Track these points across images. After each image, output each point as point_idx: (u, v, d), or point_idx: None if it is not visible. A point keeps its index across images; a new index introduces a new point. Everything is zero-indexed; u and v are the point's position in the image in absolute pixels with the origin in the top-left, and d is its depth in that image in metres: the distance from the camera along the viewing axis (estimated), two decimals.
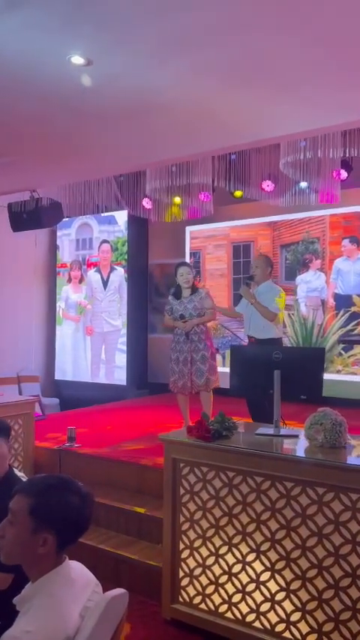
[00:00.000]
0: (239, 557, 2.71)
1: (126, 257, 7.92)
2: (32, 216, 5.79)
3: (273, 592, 2.61)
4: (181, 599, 2.92)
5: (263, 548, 2.64)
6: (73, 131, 4.08)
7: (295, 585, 2.55)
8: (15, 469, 2.44)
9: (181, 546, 2.91)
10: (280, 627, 2.58)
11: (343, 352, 6.53)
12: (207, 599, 2.82)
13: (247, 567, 2.69)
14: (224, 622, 2.74)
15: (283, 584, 2.58)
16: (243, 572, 2.70)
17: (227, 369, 3.30)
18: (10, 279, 7.83)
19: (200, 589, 2.85)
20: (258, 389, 3.37)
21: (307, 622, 2.51)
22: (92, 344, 8.13)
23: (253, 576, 2.67)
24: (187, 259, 7.71)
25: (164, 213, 6.55)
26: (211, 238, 7.70)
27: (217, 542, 2.78)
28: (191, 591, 2.88)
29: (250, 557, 2.68)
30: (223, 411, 3.02)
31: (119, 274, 7.96)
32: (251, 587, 2.68)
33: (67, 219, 7.32)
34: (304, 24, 2.60)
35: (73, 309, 8.37)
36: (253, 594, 2.67)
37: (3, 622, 1.59)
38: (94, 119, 3.82)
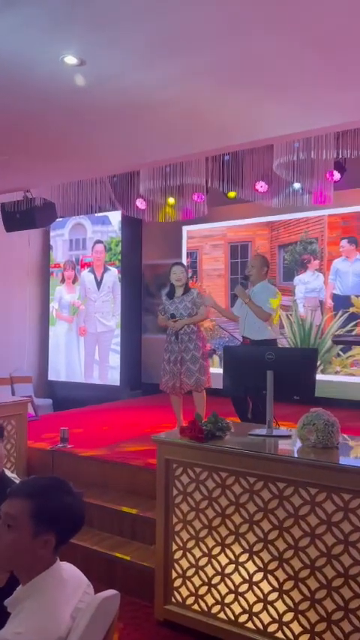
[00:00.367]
0: (232, 557, 2.72)
1: (120, 257, 7.91)
2: (25, 216, 5.78)
3: (266, 592, 2.61)
4: (174, 600, 2.91)
5: (256, 548, 2.64)
6: (67, 131, 4.07)
7: (287, 585, 2.55)
8: (7, 470, 2.42)
9: (174, 547, 2.91)
10: (272, 627, 2.58)
11: (341, 353, 6.50)
12: (200, 600, 2.82)
13: (240, 568, 2.69)
14: (217, 623, 2.74)
15: (275, 584, 2.58)
16: (236, 572, 2.71)
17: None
18: (3, 280, 7.80)
19: (193, 590, 2.85)
20: (251, 389, 3.38)
21: (299, 622, 2.51)
22: (86, 344, 8.12)
23: (246, 577, 2.67)
24: (184, 259, 7.70)
25: (158, 213, 6.54)
26: (208, 238, 7.66)
27: (210, 542, 2.78)
28: (184, 592, 2.88)
29: (243, 558, 2.68)
30: (217, 412, 3.03)
31: (113, 274, 7.95)
32: (244, 587, 2.68)
33: (60, 219, 7.31)
34: (297, 26, 2.61)
35: (67, 309, 8.35)
36: (245, 595, 2.67)
37: None
38: (88, 119, 3.82)
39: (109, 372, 7.86)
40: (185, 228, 7.76)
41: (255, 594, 2.64)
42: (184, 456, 2.90)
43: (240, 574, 2.69)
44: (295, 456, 2.68)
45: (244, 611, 2.67)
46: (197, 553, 2.83)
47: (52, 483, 1.54)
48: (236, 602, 2.70)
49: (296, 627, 2.52)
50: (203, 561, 2.81)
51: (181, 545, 2.88)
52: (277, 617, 2.57)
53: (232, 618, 2.70)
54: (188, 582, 2.86)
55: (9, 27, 2.65)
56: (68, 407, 7.05)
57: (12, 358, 7.85)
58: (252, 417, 4.52)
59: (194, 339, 4.70)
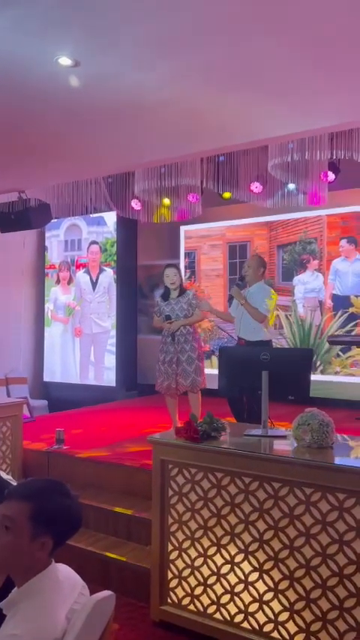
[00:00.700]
0: (228, 557, 2.72)
1: (115, 258, 7.90)
2: (20, 217, 5.77)
3: (261, 592, 2.62)
4: (169, 600, 2.92)
5: (251, 548, 2.65)
6: (62, 132, 4.07)
7: (283, 585, 2.56)
8: (3, 472, 2.42)
9: (170, 548, 2.91)
10: (268, 627, 2.59)
11: (341, 353, 6.48)
12: (196, 601, 2.83)
13: (236, 568, 2.70)
14: (213, 623, 2.75)
15: (271, 584, 2.59)
16: (231, 572, 2.71)
17: None
18: None
19: (189, 590, 2.85)
20: (246, 390, 3.38)
21: (295, 622, 2.52)
22: (81, 345, 8.11)
23: (242, 577, 2.68)
24: (182, 259, 7.69)
25: (153, 214, 6.54)
26: (206, 238, 7.62)
27: (206, 543, 2.79)
28: (180, 593, 2.88)
29: (239, 558, 2.69)
30: (212, 412, 3.03)
31: (108, 275, 7.94)
32: (240, 587, 2.68)
33: (55, 220, 7.29)
34: (292, 28, 2.61)
35: (62, 310, 8.34)
36: (241, 595, 2.68)
37: None
38: (82, 120, 3.81)
39: (105, 372, 7.85)
40: (183, 228, 7.72)
41: (250, 594, 2.65)
42: (179, 456, 2.91)
43: (235, 574, 2.70)
44: (290, 456, 2.69)
45: (240, 611, 2.68)
46: (193, 553, 2.83)
47: (49, 485, 1.54)
48: (232, 603, 2.71)
49: (292, 627, 2.53)
50: (199, 562, 2.81)
51: (177, 545, 2.89)
52: (272, 616, 2.58)
53: (228, 618, 2.71)
54: (184, 583, 2.87)
55: (2, 28, 2.65)
56: (64, 408, 7.04)
57: (7, 359, 7.84)
58: (247, 416, 4.53)
59: (190, 340, 4.71)
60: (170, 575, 2.92)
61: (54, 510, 1.47)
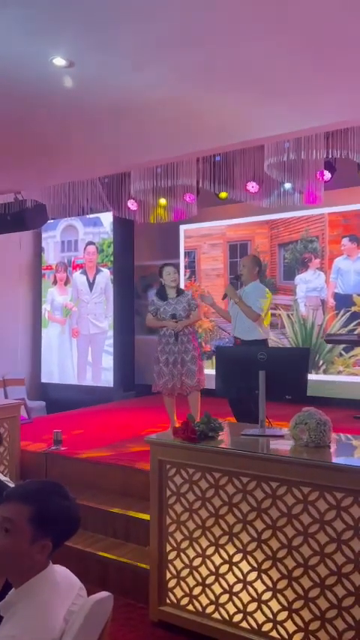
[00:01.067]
0: (226, 557, 2.72)
1: (112, 259, 7.90)
2: (16, 218, 5.76)
3: (260, 592, 2.62)
4: (168, 600, 2.91)
5: (249, 548, 2.65)
6: (57, 133, 4.06)
7: (281, 585, 2.56)
8: (0, 474, 2.42)
9: (168, 548, 2.91)
10: (267, 627, 2.59)
11: (343, 353, 6.44)
12: (194, 601, 2.83)
13: (234, 568, 2.70)
14: (211, 623, 2.75)
15: (269, 583, 2.59)
16: (230, 572, 2.71)
17: None
18: None
19: (187, 590, 2.85)
20: (243, 389, 3.38)
21: (293, 621, 2.52)
22: (78, 346, 8.10)
23: (240, 576, 2.68)
24: (182, 259, 7.68)
25: (149, 214, 6.53)
26: (206, 237, 7.57)
27: (204, 543, 2.79)
28: (178, 593, 2.88)
29: (237, 558, 2.69)
30: (209, 412, 3.03)
31: (105, 276, 7.93)
32: (238, 587, 2.68)
33: (51, 221, 7.28)
34: (287, 27, 2.61)
35: (59, 311, 8.33)
36: (239, 594, 2.68)
37: None
38: (78, 121, 3.81)
39: (103, 373, 7.85)
40: (182, 228, 7.67)
41: (249, 594, 2.65)
42: (177, 456, 2.91)
43: (234, 574, 2.70)
44: (288, 455, 2.69)
45: (239, 611, 2.68)
46: (191, 553, 2.83)
47: (48, 487, 1.53)
48: (230, 602, 2.71)
49: (290, 626, 2.53)
50: (197, 562, 2.81)
51: (175, 545, 2.89)
52: (271, 616, 2.58)
53: (227, 618, 2.71)
54: (182, 583, 2.87)
55: None
56: (62, 409, 7.03)
57: (4, 361, 7.82)
58: (247, 417, 4.52)
59: (192, 339, 4.72)
60: (169, 576, 2.91)
61: (53, 512, 1.46)
